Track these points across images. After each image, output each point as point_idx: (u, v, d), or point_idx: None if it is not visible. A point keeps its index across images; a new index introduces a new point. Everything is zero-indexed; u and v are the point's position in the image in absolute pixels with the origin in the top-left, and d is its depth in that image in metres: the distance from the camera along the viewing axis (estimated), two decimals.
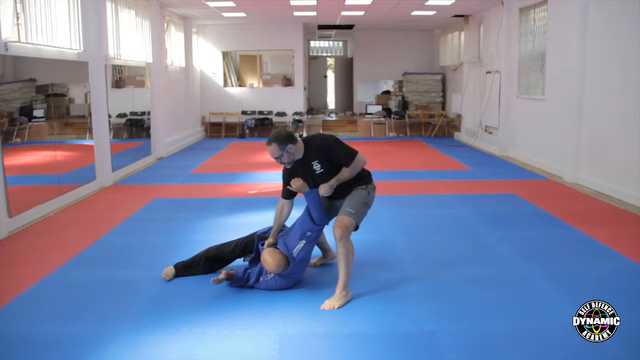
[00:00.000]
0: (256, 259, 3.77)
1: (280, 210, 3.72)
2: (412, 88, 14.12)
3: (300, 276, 3.74)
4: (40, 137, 6.15)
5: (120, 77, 8.60)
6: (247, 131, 13.05)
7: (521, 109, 9.51)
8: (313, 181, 3.53)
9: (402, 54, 14.77)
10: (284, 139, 3.40)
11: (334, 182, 3.48)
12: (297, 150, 3.45)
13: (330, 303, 3.38)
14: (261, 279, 3.65)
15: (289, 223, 3.88)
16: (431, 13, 11.36)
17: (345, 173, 3.48)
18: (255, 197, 6.66)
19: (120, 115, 8.46)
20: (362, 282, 3.74)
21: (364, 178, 3.61)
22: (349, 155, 3.48)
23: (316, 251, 4.14)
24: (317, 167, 3.46)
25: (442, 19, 12.27)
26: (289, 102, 13.41)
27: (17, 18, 5.49)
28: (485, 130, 11.12)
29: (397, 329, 3.10)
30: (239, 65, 14.60)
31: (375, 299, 3.51)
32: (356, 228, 3.51)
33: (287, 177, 3.60)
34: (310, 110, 15.40)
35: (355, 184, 3.57)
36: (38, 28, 5.85)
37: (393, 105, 14.33)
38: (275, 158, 3.41)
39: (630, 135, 6.20)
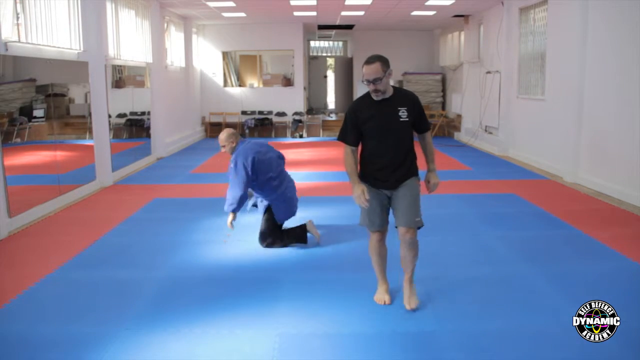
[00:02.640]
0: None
1: (351, 156, 3.28)
2: (412, 88, 14.09)
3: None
4: (40, 137, 6.14)
5: (120, 77, 8.59)
6: (247, 131, 13.05)
7: (521, 109, 9.51)
8: (388, 128, 3.18)
9: (402, 54, 14.75)
10: (386, 62, 3.12)
11: (435, 168, 3.38)
12: (388, 83, 3.18)
13: (414, 301, 3.32)
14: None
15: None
16: (431, 13, 11.36)
17: (433, 149, 3.41)
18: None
19: (120, 115, 8.46)
20: (362, 282, 3.74)
21: (415, 163, 3.34)
22: (428, 121, 3.39)
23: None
24: (403, 114, 3.18)
25: (442, 19, 12.27)
26: (289, 102, 13.41)
27: (17, 18, 5.50)
28: (485, 130, 11.12)
29: (397, 329, 3.10)
30: (239, 65, 14.59)
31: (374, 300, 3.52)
32: None
33: (354, 120, 3.24)
34: (310, 110, 15.40)
35: (410, 172, 3.29)
36: (38, 28, 5.85)
37: None
38: (373, 80, 3.07)
39: (630, 135, 6.20)
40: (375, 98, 3.17)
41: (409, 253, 3.30)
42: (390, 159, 3.22)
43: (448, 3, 10.14)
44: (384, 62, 3.10)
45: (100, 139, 7.27)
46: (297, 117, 13.25)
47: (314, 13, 11.53)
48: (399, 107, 3.17)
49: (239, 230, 5.13)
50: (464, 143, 11.79)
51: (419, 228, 3.28)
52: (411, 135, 3.25)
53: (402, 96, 3.23)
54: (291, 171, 8.30)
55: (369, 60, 3.11)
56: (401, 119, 3.17)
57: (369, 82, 3.10)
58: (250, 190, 4.60)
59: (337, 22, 13.11)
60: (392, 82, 3.18)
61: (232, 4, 10.16)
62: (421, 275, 3.92)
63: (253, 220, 5.50)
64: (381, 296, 3.47)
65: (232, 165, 4.43)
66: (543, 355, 2.82)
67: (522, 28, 9.44)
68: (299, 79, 13.52)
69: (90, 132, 7.16)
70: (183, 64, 11.91)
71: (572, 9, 7.35)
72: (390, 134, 3.19)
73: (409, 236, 3.23)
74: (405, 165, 3.24)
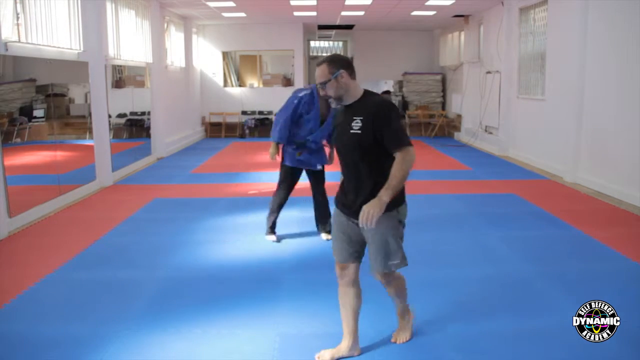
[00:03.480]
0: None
1: None
2: (412, 88, 14.12)
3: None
4: (40, 137, 6.14)
5: (120, 77, 8.60)
6: (247, 131, 13.05)
7: (521, 109, 9.51)
8: (341, 140, 2.68)
9: (402, 54, 14.77)
10: (339, 62, 2.62)
11: (385, 196, 2.46)
12: (349, 87, 2.61)
13: (403, 336, 2.97)
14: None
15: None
16: (431, 13, 11.36)
17: (397, 175, 2.48)
18: (255, 197, 6.66)
19: (120, 115, 8.46)
20: (362, 283, 3.73)
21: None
22: (401, 138, 2.52)
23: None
24: (356, 125, 2.57)
25: (442, 19, 12.27)
26: None
27: (17, 18, 5.49)
28: (485, 130, 11.12)
29: (396, 329, 3.10)
30: (239, 65, 14.59)
31: (374, 299, 3.50)
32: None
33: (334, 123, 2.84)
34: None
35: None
36: (38, 28, 5.85)
37: None
38: (320, 84, 2.63)
39: (630, 135, 6.19)
40: (331, 104, 2.71)
41: (390, 292, 2.90)
42: (350, 179, 2.68)
43: (448, 3, 10.14)
44: (334, 62, 2.61)
45: (100, 139, 7.27)
46: None
47: (314, 13, 11.52)
48: (354, 117, 2.58)
49: (238, 231, 5.14)
50: (464, 143, 11.79)
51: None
52: (375, 153, 2.57)
53: (364, 103, 2.61)
54: None
55: (319, 61, 2.64)
56: (351, 131, 2.58)
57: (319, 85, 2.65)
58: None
59: (337, 22, 13.11)
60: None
61: (232, 4, 10.16)
62: (421, 275, 3.93)
63: (255, 219, 5.50)
64: (327, 350, 2.86)
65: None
66: (543, 355, 2.82)
67: (522, 28, 9.44)
68: (299, 79, 13.51)
69: (90, 132, 7.16)
70: (183, 64, 11.91)
71: (572, 9, 7.36)
72: (343, 148, 2.67)
73: (383, 281, 2.80)
74: (366, 190, 2.60)
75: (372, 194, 2.53)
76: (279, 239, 4.75)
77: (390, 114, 2.54)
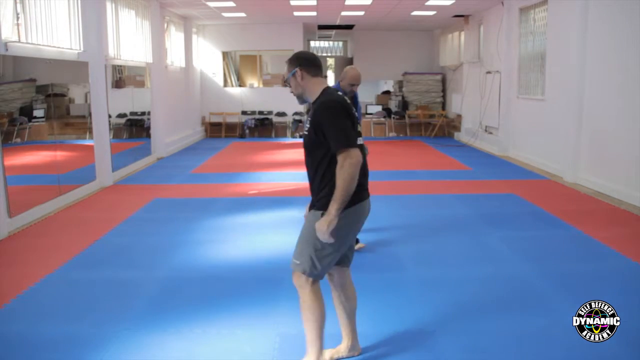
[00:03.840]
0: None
1: None
2: (412, 88, 14.12)
3: None
4: (40, 137, 6.14)
5: (120, 77, 8.60)
6: (247, 131, 13.05)
7: (521, 109, 9.51)
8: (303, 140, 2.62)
9: (402, 54, 14.77)
10: (296, 60, 2.56)
11: (333, 210, 2.37)
12: (307, 85, 2.56)
13: None
14: None
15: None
16: (431, 13, 11.36)
17: (339, 185, 2.37)
18: (255, 197, 6.66)
19: (120, 115, 8.46)
20: (362, 283, 3.73)
21: (328, 193, 2.44)
22: (338, 139, 2.38)
23: None
24: (307, 125, 2.55)
25: (442, 19, 12.27)
26: (289, 102, 13.39)
27: (17, 18, 5.50)
28: (485, 130, 11.12)
29: (397, 329, 3.10)
30: (239, 65, 14.60)
31: (375, 299, 3.51)
32: (317, 276, 2.56)
33: None
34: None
35: (318, 200, 2.52)
36: (38, 28, 5.85)
37: (393, 105, 14.33)
38: (284, 82, 2.86)
39: (630, 135, 6.20)
40: (298, 102, 2.71)
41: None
42: (308, 177, 2.62)
43: (448, 3, 10.14)
44: (292, 60, 2.56)
45: (100, 139, 7.27)
46: (297, 117, 13.25)
47: (314, 13, 11.53)
48: (309, 117, 2.54)
49: (239, 231, 5.14)
50: (464, 143, 11.79)
51: (311, 276, 2.55)
52: (322, 152, 2.46)
53: (316, 103, 2.54)
54: (291, 171, 8.37)
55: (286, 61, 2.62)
56: (305, 130, 2.55)
57: None
58: None
59: (337, 22, 13.11)
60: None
61: (232, 4, 10.16)
62: (421, 275, 3.93)
63: (255, 219, 5.51)
64: (327, 350, 2.82)
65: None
66: (543, 355, 2.82)
67: (522, 28, 9.44)
68: None
69: (90, 132, 7.16)
70: (183, 64, 11.91)
71: (572, 9, 7.36)
72: (304, 147, 2.61)
73: (294, 282, 2.62)
74: (314, 189, 2.56)
75: (316, 193, 2.52)
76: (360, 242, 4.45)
77: (325, 114, 2.43)
